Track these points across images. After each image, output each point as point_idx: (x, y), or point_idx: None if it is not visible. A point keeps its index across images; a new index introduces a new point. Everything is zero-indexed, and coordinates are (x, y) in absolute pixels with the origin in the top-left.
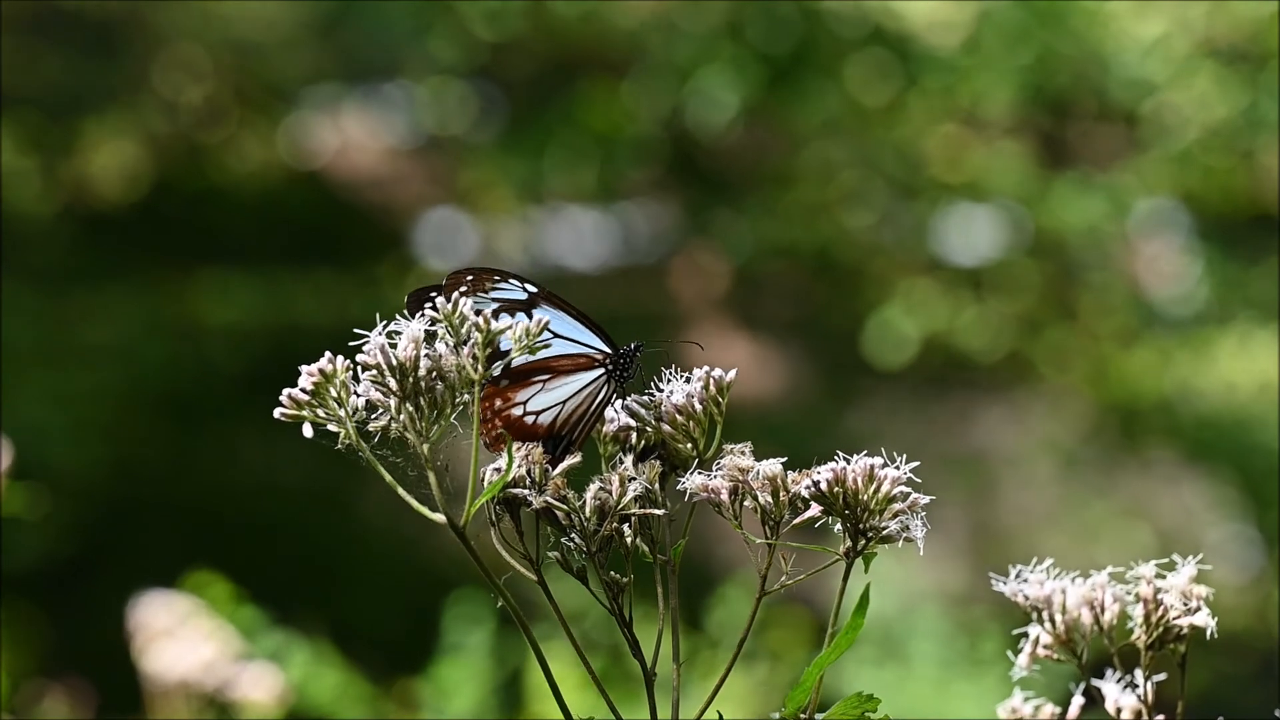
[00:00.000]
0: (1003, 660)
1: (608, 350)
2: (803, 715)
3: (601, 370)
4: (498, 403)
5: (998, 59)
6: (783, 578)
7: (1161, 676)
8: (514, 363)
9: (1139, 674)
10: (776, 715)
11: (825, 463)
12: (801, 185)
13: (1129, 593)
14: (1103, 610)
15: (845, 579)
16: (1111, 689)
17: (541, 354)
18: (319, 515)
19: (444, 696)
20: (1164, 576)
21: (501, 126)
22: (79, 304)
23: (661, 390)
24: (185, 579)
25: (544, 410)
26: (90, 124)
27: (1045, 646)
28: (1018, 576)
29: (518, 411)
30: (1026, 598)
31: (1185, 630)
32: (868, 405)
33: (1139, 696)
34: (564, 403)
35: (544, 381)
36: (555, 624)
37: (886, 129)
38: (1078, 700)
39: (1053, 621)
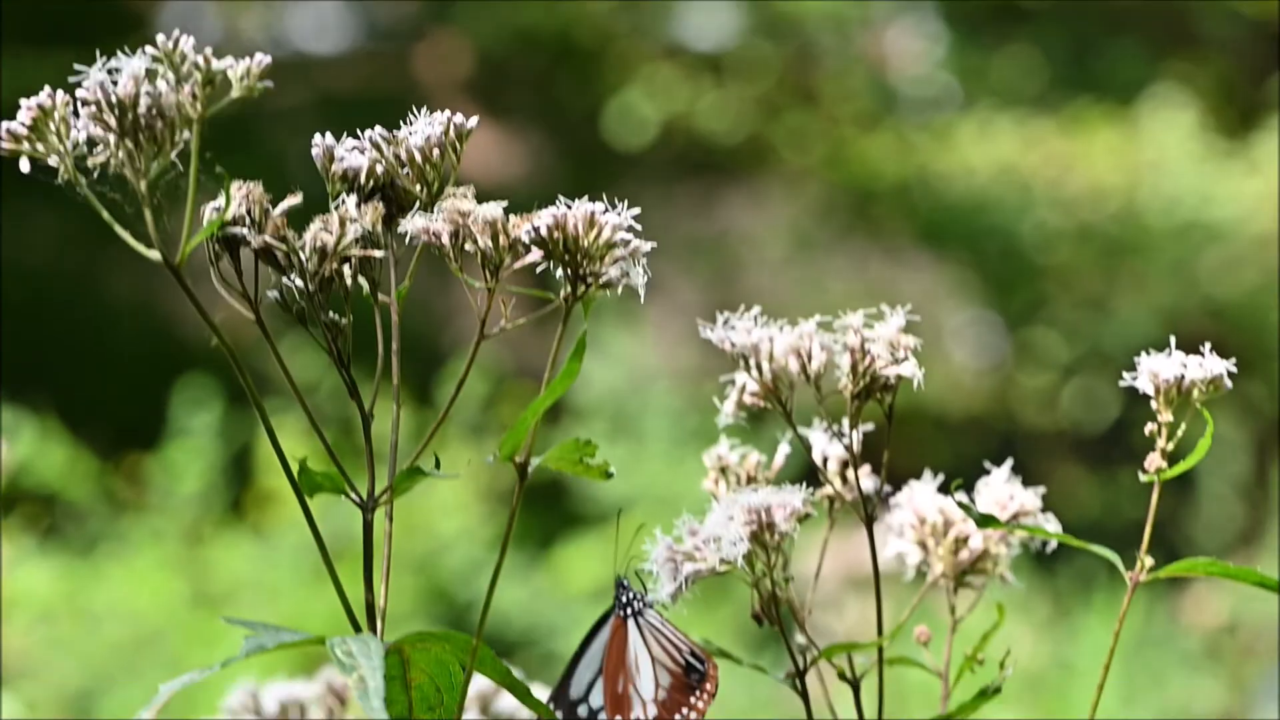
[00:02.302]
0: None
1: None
2: (518, 459)
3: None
4: None
5: None
6: (501, 322)
7: (869, 426)
8: None
9: (845, 423)
10: (491, 459)
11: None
12: None
13: (837, 342)
14: (809, 359)
15: (564, 323)
16: (818, 438)
17: None
18: (63, 297)
19: (173, 476)
20: (871, 327)
21: None
22: None
23: (402, 129)
24: None
25: None
26: None
27: (752, 394)
28: (725, 324)
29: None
30: (734, 345)
31: (893, 380)
32: (611, 189)
33: (845, 446)
34: None
35: None
36: (286, 400)
37: None
38: (783, 449)
39: (759, 369)
